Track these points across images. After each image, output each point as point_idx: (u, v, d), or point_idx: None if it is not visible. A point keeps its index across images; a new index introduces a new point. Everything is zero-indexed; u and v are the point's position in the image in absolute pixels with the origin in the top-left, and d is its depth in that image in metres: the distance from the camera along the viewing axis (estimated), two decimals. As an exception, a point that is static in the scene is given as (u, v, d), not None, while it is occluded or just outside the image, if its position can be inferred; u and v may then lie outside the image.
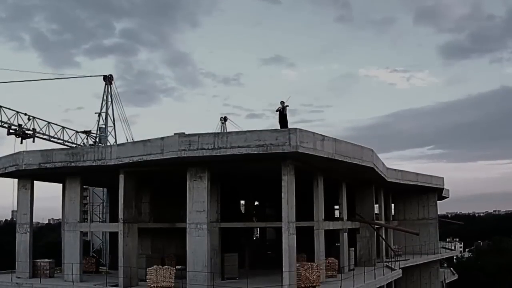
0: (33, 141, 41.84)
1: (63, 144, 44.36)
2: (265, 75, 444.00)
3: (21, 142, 41.33)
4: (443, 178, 49.15)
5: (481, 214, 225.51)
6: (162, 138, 25.93)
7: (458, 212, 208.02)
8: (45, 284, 28.40)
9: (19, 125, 40.72)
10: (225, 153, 24.26)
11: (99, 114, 47.67)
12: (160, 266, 27.11)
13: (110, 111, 47.73)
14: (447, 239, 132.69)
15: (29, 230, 31.48)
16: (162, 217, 35.93)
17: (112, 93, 47.79)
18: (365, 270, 28.75)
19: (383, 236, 41.19)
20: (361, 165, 29.21)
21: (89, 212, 44.47)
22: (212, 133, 25.79)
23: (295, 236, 25.62)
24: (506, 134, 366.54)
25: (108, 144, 47.57)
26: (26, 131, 41.32)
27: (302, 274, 25.79)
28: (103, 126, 47.75)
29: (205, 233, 26.14)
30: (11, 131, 40.71)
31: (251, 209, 45.66)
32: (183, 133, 34.09)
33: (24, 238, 31.53)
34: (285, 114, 26.77)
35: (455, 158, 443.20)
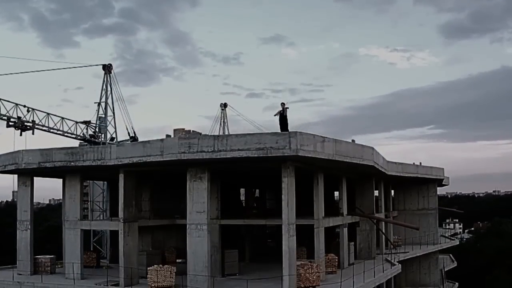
0: (33, 133, 41.56)
1: (63, 135, 44.22)
2: (265, 54, 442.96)
3: (21, 134, 41.11)
4: (443, 169, 49.14)
5: (481, 195, 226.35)
6: (162, 140, 25.92)
7: (457, 193, 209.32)
8: (47, 283, 28.48)
9: (19, 118, 40.42)
10: (225, 156, 24.21)
11: (99, 104, 47.43)
12: (161, 266, 27.20)
13: (109, 101, 47.53)
14: (447, 220, 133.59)
15: (29, 227, 31.50)
16: (163, 211, 36.06)
17: (111, 81, 47.51)
18: (364, 268, 28.68)
19: (383, 228, 41.31)
20: (362, 164, 29.21)
21: (89, 207, 44.46)
22: (212, 135, 25.71)
23: (295, 237, 25.69)
24: (506, 114, 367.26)
25: (108, 133, 47.62)
26: (26, 123, 41.09)
27: (302, 274, 25.85)
28: (103, 115, 47.54)
29: (205, 234, 26.19)
30: (10, 123, 40.46)
31: (251, 200, 45.79)
32: (183, 129, 34.17)
33: (24, 235, 31.60)
34: (286, 116, 26.61)
35: (455, 138, 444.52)
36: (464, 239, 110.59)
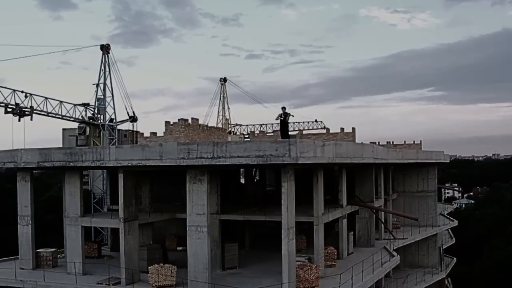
0: (31, 119, 41.30)
1: (62, 118, 43.97)
2: (264, 16, 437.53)
3: (19, 120, 40.87)
4: (443, 152, 49.05)
5: (480, 158, 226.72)
6: (161, 145, 25.75)
7: (457, 156, 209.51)
8: (49, 281, 28.76)
9: (16, 104, 40.09)
10: (224, 163, 24.14)
11: (97, 85, 46.97)
12: (161, 265, 27.44)
13: (108, 81, 47.09)
14: (446, 184, 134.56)
15: (30, 223, 31.60)
16: (163, 198, 36.20)
17: (109, 61, 46.95)
18: (363, 263, 28.93)
19: (383, 215, 41.49)
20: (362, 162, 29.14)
21: (90, 188, 44.62)
22: (211, 142, 25.51)
23: (294, 241, 25.83)
24: (507, 76, 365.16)
25: (107, 114, 47.36)
26: (24, 109, 40.76)
27: (301, 275, 26.06)
28: (102, 96, 47.17)
29: (205, 236, 26.30)
30: (8, 109, 40.15)
31: (250, 185, 45.78)
32: (182, 119, 33.93)
33: (26, 231, 31.66)
34: (287, 122, 26.35)
35: (455, 100, 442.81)
36: (463, 205, 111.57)
